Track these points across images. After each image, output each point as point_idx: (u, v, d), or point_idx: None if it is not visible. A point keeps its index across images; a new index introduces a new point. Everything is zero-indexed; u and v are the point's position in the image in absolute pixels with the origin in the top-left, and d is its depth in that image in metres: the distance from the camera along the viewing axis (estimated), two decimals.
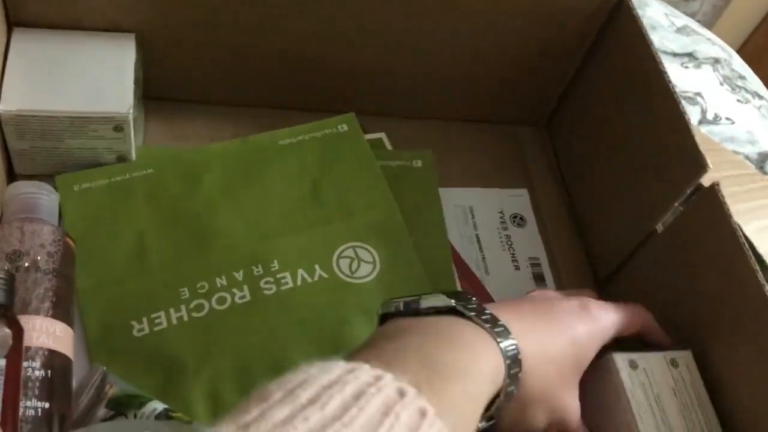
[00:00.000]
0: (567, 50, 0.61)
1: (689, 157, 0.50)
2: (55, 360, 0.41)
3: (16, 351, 0.37)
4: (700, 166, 0.49)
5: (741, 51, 1.34)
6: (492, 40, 0.59)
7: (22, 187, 0.47)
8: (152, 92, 0.57)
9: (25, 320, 0.40)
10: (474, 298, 0.38)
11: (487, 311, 0.37)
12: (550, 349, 0.40)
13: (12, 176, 0.52)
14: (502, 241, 0.59)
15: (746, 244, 0.46)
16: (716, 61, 0.82)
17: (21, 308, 0.41)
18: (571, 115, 0.65)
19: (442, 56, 0.60)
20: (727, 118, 0.77)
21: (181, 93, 0.59)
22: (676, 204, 0.52)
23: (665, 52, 0.80)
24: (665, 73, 0.53)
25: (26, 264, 0.42)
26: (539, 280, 0.58)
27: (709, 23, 1.35)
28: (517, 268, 0.58)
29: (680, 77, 0.78)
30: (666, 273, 0.52)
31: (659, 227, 0.53)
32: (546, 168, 0.65)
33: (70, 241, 0.46)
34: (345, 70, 0.60)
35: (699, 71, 0.80)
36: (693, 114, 0.76)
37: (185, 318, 0.46)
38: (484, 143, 0.65)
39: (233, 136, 0.58)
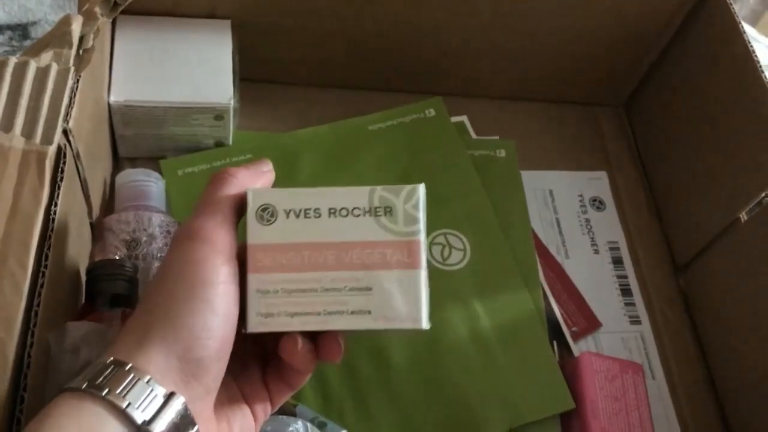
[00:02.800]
0: (652, 31, 0.61)
1: None
2: None
3: None
4: None
5: None
6: (576, 19, 0.59)
7: (132, 175, 0.49)
8: (244, 74, 0.58)
9: None
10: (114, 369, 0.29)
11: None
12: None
13: (116, 158, 0.55)
14: (581, 225, 0.60)
15: None
16: None
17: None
18: (651, 97, 0.65)
19: (525, 36, 0.60)
20: None
21: (272, 75, 0.61)
22: (762, 195, 0.52)
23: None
24: (758, 61, 0.53)
25: (144, 251, 0.45)
26: (618, 263, 0.59)
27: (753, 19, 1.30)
28: (596, 252, 0.59)
29: None
30: (747, 265, 0.53)
31: (743, 217, 0.54)
32: (625, 149, 0.66)
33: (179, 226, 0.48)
34: (430, 51, 0.60)
35: None
36: None
37: None
38: (563, 123, 0.66)
39: (322, 117, 0.60)
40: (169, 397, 0.28)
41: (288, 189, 0.34)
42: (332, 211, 0.34)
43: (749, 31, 0.55)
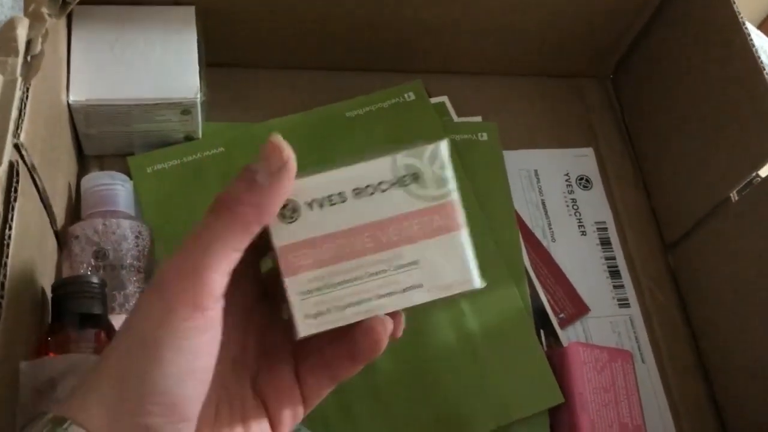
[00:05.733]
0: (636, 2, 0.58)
1: None
2: None
3: None
4: None
5: (763, 24, 1.27)
6: None
7: (97, 179, 0.47)
8: (211, 58, 0.55)
9: (114, 320, 0.42)
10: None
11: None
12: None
13: (81, 157, 0.52)
14: (568, 206, 0.59)
15: None
16: None
17: (109, 308, 0.42)
18: (638, 67, 0.62)
19: (506, 9, 0.57)
20: None
21: (241, 58, 0.58)
22: (753, 174, 0.51)
23: None
24: (747, 34, 0.51)
25: (112, 261, 0.43)
26: (606, 244, 0.58)
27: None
28: (583, 233, 0.58)
29: None
30: (736, 245, 0.52)
31: (733, 196, 0.52)
32: (612, 122, 0.63)
33: (149, 232, 0.46)
34: (407, 29, 0.58)
35: None
36: None
37: None
38: (546, 98, 0.63)
39: (295, 99, 0.57)
40: None
41: (305, 178, 0.31)
42: (357, 192, 0.32)
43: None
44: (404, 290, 0.32)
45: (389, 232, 0.32)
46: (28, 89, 0.38)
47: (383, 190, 0.32)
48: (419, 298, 0.32)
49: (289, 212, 0.31)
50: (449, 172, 0.32)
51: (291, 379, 0.33)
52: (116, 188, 0.47)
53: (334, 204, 0.31)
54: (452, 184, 0.32)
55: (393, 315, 0.33)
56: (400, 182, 0.32)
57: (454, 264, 0.32)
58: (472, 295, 0.49)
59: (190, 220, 0.50)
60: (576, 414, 0.47)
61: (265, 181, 0.29)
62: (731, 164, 0.52)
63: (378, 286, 0.32)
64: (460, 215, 0.32)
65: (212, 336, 0.28)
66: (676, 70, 0.58)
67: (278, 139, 0.30)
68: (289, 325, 0.32)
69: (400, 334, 0.33)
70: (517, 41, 0.61)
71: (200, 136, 0.53)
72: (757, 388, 0.50)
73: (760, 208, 0.50)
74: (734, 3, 0.52)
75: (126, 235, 0.44)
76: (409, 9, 0.56)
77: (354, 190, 0.32)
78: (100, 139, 0.51)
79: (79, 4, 0.50)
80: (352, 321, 0.32)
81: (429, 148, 0.32)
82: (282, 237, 0.31)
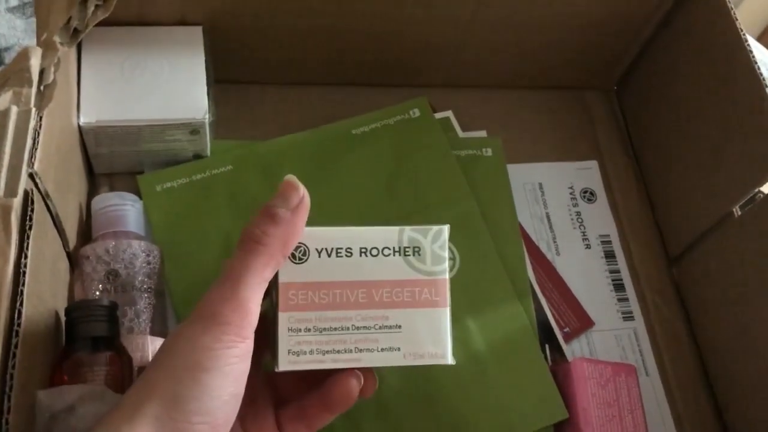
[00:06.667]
0: (642, 12, 0.58)
1: None
2: None
3: (129, 378, 0.39)
4: None
5: (763, 36, 1.27)
6: (563, 3, 0.57)
7: (107, 200, 0.47)
8: (219, 76, 0.56)
9: (126, 340, 0.42)
10: None
11: None
12: None
13: (92, 175, 0.53)
14: (572, 219, 0.59)
15: None
16: None
17: (121, 324, 0.43)
18: (643, 80, 0.63)
19: (511, 23, 0.57)
20: None
21: (249, 75, 0.59)
22: (756, 190, 0.51)
23: None
24: (749, 50, 0.51)
25: (123, 281, 0.44)
26: (610, 257, 0.58)
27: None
28: (588, 246, 0.58)
29: None
30: (739, 259, 0.52)
31: (736, 212, 0.53)
32: (616, 135, 0.64)
33: (159, 251, 0.47)
34: (412, 44, 0.58)
35: None
36: None
37: None
38: (551, 111, 0.64)
39: (302, 116, 0.58)
40: None
41: (320, 228, 0.35)
42: (363, 251, 0.35)
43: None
44: (382, 350, 0.35)
45: (382, 293, 0.35)
46: (41, 118, 0.39)
47: (386, 255, 0.35)
48: (394, 360, 0.35)
49: (300, 254, 0.34)
50: (446, 254, 0.36)
51: (272, 425, 0.37)
52: (126, 209, 0.47)
53: (341, 256, 0.35)
54: (447, 265, 0.36)
55: (367, 376, 0.36)
56: (402, 251, 0.35)
57: (433, 337, 0.35)
58: (478, 312, 0.50)
59: (200, 238, 0.51)
60: (580, 429, 0.48)
61: (286, 215, 0.33)
62: (734, 179, 0.53)
63: (360, 340, 0.35)
64: (448, 295, 0.36)
65: (247, 364, 0.32)
66: (679, 84, 0.58)
67: (293, 179, 0.35)
68: (271, 372, 0.34)
69: (369, 394, 0.37)
70: (521, 55, 0.61)
71: (209, 154, 0.53)
72: (761, 400, 0.51)
73: (763, 224, 0.50)
74: (736, 19, 0.52)
75: (137, 254, 0.45)
76: (414, 25, 0.56)
77: (361, 248, 0.35)
78: (110, 158, 0.52)
79: None
80: (328, 367, 0.35)
81: (434, 229, 0.36)
82: (287, 274, 0.34)
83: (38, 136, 0.38)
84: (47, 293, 0.40)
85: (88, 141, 0.50)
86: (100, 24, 0.51)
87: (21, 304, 0.34)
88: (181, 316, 0.48)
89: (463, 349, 0.49)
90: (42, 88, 0.39)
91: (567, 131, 0.63)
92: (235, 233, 0.51)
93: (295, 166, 0.54)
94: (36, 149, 0.38)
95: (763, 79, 0.50)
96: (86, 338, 0.39)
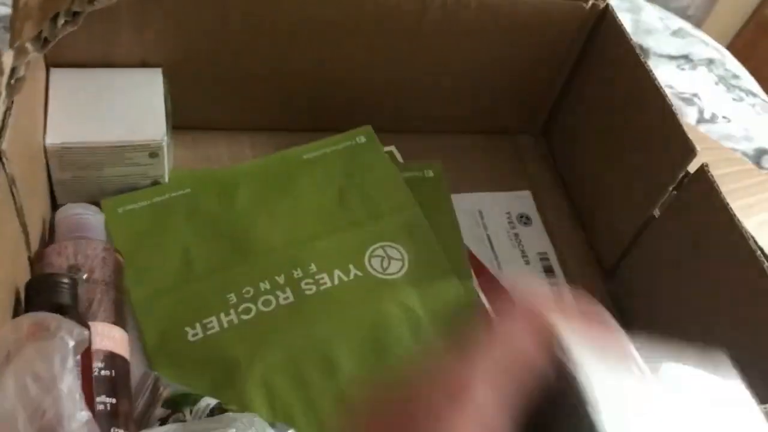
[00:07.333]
0: (555, 62, 0.66)
1: (678, 143, 0.55)
2: (116, 361, 0.44)
3: (87, 349, 0.41)
4: (689, 150, 0.54)
5: (732, 44, 1.38)
6: (488, 56, 0.64)
7: (71, 209, 0.51)
8: (176, 121, 0.61)
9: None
10: None
11: None
12: None
13: (54, 205, 0.56)
14: (511, 240, 0.63)
15: (737, 216, 0.50)
16: (711, 61, 0.86)
17: (83, 316, 0.44)
18: (563, 122, 0.70)
19: (444, 73, 0.65)
20: (724, 117, 0.81)
21: (203, 121, 0.64)
22: (670, 189, 0.56)
23: (661, 55, 0.85)
24: (650, 69, 0.58)
25: (84, 276, 0.46)
26: (549, 272, 0.62)
27: (701, 17, 1.40)
28: (527, 262, 0.62)
29: (677, 79, 0.83)
30: (668, 254, 0.56)
31: (657, 212, 0.58)
32: (546, 171, 0.70)
33: (119, 256, 0.49)
34: (357, 92, 0.64)
35: (695, 72, 0.85)
36: (690, 114, 0.80)
37: (235, 321, 0.50)
38: (487, 152, 0.70)
39: (254, 157, 0.62)
40: None
41: None
42: None
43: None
44: None
45: None
46: (11, 108, 0.43)
47: None
48: None
49: None
50: None
51: None
52: (88, 217, 0.50)
53: None
54: None
55: None
56: None
57: None
58: (427, 303, 0.53)
59: (159, 251, 0.54)
60: None
61: None
62: (650, 187, 0.58)
63: None
64: None
65: None
66: (594, 118, 0.65)
67: None
68: None
69: None
70: (456, 103, 0.68)
71: (167, 180, 0.57)
72: None
73: (681, 219, 0.55)
74: (633, 43, 0.59)
75: (98, 252, 0.47)
76: (356, 74, 0.63)
77: None
78: (73, 185, 0.55)
79: (54, 66, 0.56)
80: None
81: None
82: None
83: (7, 120, 0.42)
84: (6, 270, 0.42)
85: (53, 164, 0.53)
86: (68, 65, 0.56)
87: None
88: (141, 320, 0.50)
89: (412, 332, 0.51)
90: (13, 81, 0.43)
91: (501, 169, 0.69)
92: (194, 246, 0.54)
93: (250, 187, 0.58)
94: (5, 131, 0.41)
95: (662, 89, 0.57)
96: (50, 305, 0.40)
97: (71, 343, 0.37)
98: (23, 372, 0.36)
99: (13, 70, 0.43)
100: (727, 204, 0.51)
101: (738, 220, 0.50)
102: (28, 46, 0.44)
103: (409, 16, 0.60)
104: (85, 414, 0.36)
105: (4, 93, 0.41)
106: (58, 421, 0.35)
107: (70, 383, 0.36)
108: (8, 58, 0.43)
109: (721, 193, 0.52)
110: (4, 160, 0.41)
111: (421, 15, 0.60)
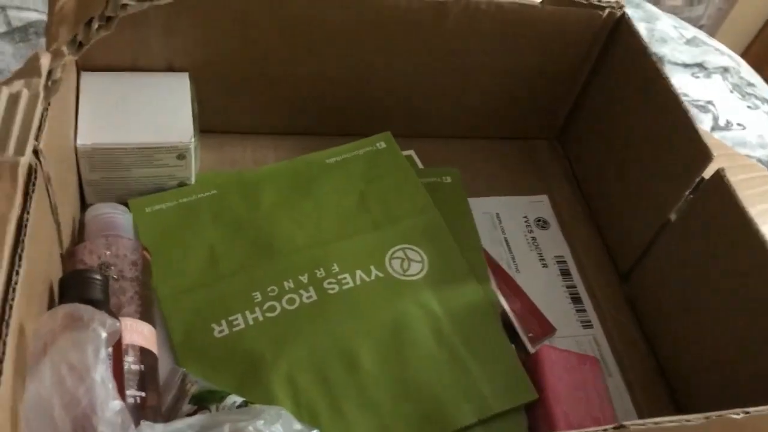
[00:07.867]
0: (572, 69, 0.67)
1: (694, 148, 0.55)
2: (145, 356, 0.45)
3: (118, 342, 0.42)
4: (705, 155, 0.54)
5: (746, 53, 1.39)
6: (505, 62, 0.65)
7: (101, 208, 0.52)
8: (202, 125, 0.62)
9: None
10: None
11: None
12: None
13: (84, 206, 0.58)
14: (528, 243, 0.64)
15: (754, 219, 0.51)
16: (725, 69, 0.87)
17: (113, 311, 0.46)
18: (580, 127, 0.71)
19: (462, 79, 0.66)
20: (739, 124, 0.82)
21: (228, 125, 0.65)
22: (686, 193, 0.57)
23: (676, 63, 0.86)
24: (665, 75, 0.59)
25: (114, 274, 0.47)
26: (566, 275, 0.63)
27: (714, 27, 1.40)
28: (545, 265, 0.63)
29: (692, 87, 0.84)
30: (684, 258, 0.57)
31: (672, 217, 0.58)
32: (562, 175, 0.71)
33: (147, 254, 0.51)
34: (376, 97, 0.66)
35: (709, 80, 0.85)
36: (705, 121, 0.81)
37: (260, 318, 0.51)
38: (504, 157, 0.71)
39: (278, 160, 0.64)
40: None
41: None
42: None
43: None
44: None
45: None
46: (47, 108, 0.44)
47: None
48: None
49: None
50: None
51: None
52: (117, 216, 0.52)
53: None
54: None
55: None
56: None
57: None
58: (447, 304, 0.54)
59: (185, 250, 0.56)
60: (550, 406, 0.50)
61: None
62: (667, 191, 0.59)
63: None
64: None
65: None
66: (611, 124, 0.66)
67: None
68: None
69: None
70: (475, 109, 0.69)
71: (193, 182, 0.59)
72: (707, 382, 0.54)
73: (696, 223, 0.56)
74: (650, 50, 0.60)
75: (127, 252, 0.49)
76: (377, 80, 0.64)
77: None
78: (102, 186, 0.56)
79: (85, 70, 0.58)
80: None
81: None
82: None
83: (44, 121, 0.43)
84: (44, 262, 0.43)
85: (83, 165, 0.55)
86: (97, 69, 0.58)
87: (22, 250, 0.38)
88: (168, 316, 0.51)
89: (433, 334, 0.52)
90: (50, 82, 0.44)
91: (518, 174, 0.70)
92: (220, 246, 0.55)
93: (274, 188, 0.59)
94: (42, 131, 0.43)
95: (678, 95, 0.58)
96: (83, 300, 0.42)
97: (104, 334, 0.39)
98: (59, 362, 0.37)
99: (50, 72, 0.45)
100: (744, 208, 0.52)
101: (755, 224, 0.51)
102: (64, 49, 0.46)
103: (428, 23, 0.61)
104: (117, 403, 0.37)
105: (42, 94, 0.43)
106: (92, 409, 0.37)
107: (102, 373, 0.37)
108: (46, 61, 0.44)
109: (738, 197, 0.52)
110: (41, 158, 0.43)
111: (441, 22, 0.61)
